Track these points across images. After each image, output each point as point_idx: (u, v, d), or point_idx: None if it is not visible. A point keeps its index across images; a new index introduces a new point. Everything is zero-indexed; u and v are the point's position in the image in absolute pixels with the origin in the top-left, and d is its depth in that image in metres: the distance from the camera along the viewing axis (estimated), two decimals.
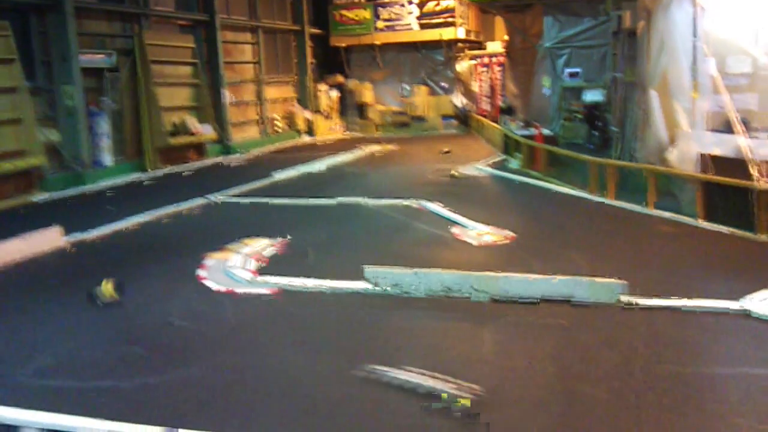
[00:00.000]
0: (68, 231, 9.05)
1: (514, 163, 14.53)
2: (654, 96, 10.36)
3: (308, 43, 24.73)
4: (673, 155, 9.74)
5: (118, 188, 13.92)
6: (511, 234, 8.54)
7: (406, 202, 10.81)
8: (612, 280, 5.97)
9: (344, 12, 24.70)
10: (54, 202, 12.51)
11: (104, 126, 15.14)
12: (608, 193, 10.44)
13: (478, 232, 8.69)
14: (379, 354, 5.04)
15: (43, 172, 13.25)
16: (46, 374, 4.88)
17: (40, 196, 12.74)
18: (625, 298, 5.90)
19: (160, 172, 15.87)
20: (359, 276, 6.53)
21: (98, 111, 15.05)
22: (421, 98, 24.33)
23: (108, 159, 15.26)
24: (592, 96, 17.01)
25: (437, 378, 4.49)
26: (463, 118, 24.12)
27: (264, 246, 8.29)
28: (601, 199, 10.52)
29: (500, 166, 14.69)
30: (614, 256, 7.67)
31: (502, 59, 24.43)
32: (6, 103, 12.52)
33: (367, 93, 25.01)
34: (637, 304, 5.86)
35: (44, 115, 13.85)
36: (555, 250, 7.86)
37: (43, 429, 4.04)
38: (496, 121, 20.68)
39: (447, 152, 17.61)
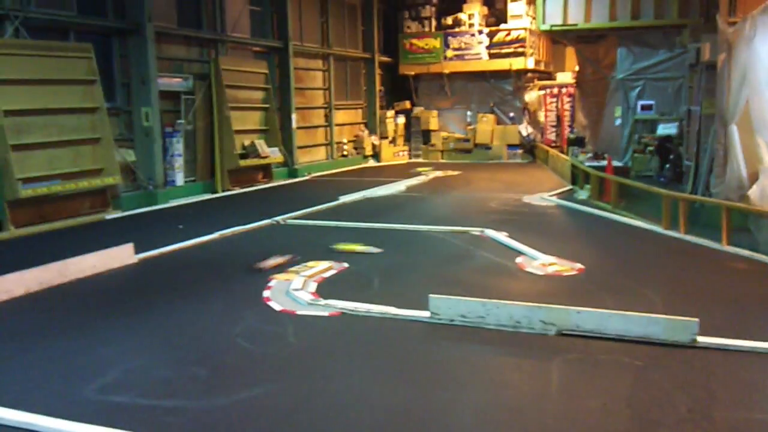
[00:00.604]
0: (139, 248, 9.28)
1: (583, 194, 14.26)
2: (734, 131, 10.01)
3: (377, 71, 25.00)
4: (754, 192, 9.36)
5: (189, 208, 14.24)
6: (579, 266, 8.33)
7: (469, 230, 10.71)
8: (687, 318, 5.72)
9: (414, 41, 24.89)
10: (126, 219, 12.88)
11: (178, 147, 15.59)
12: (680, 228, 10.10)
13: (543, 263, 8.51)
14: (444, 389, 4.93)
15: (118, 191, 13.68)
16: (112, 391, 4.93)
17: (113, 214, 13.14)
18: (700, 338, 5.65)
19: (229, 193, 16.20)
20: (423, 304, 6.45)
21: (173, 133, 15.50)
22: (486, 126, 24.24)
23: (180, 179, 15.68)
24: (665, 129, 16.60)
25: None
26: (528, 147, 23.90)
27: (326, 269, 8.31)
28: (673, 233, 10.18)
29: (567, 196, 14.44)
30: (688, 292, 7.37)
31: (571, 90, 24.16)
32: (86, 123, 13.00)
33: (432, 120, 25.11)
34: (713, 345, 5.60)
35: (121, 136, 14.33)
36: (625, 284, 7.61)
37: None
38: (563, 152, 20.42)
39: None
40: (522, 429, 4.31)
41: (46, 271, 7.89)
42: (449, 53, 24.42)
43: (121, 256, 8.92)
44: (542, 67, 24.90)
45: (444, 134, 25.06)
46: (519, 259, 8.78)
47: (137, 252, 9.17)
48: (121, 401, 4.75)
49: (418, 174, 19.71)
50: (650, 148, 16.92)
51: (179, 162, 15.64)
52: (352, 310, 6.63)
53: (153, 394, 4.87)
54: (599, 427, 4.36)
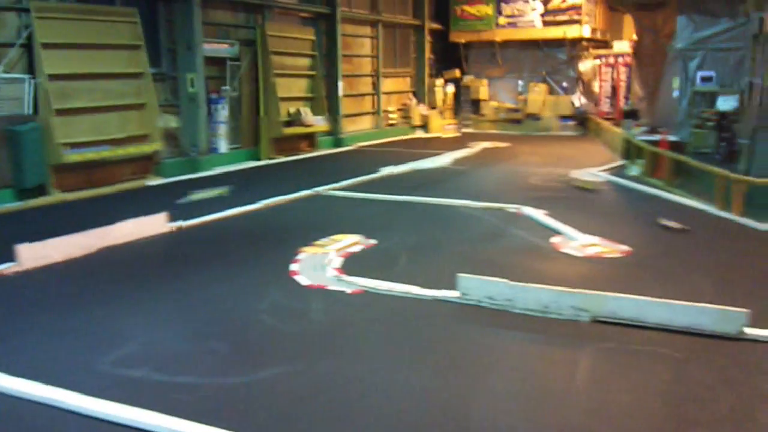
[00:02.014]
0: (176, 216, 9.25)
1: (634, 170, 13.71)
2: None
3: (427, 38, 24.53)
4: None
5: (231, 175, 14.21)
6: (623, 248, 7.95)
7: (506, 207, 10.37)
8: (735, 308, 5.35)
9: (466, 7, 24.30)
10: (167, 186, 12.91)
11: (223, 114, 15.55)
12: (734, 209, 9.58)
13: (582, 244, 8.14)
14: (467, 375, 4.71)
15: (161, 157, 13.72)
16: (127, 364, 4.86)
17: (154, 180, 13.19)
18: (749, 330, 5.29)
19: (272, 162, 16.13)
20: (451, 284, 6.21)
21: (218, 99, 15.46)
22: (538, 96, 23.62)
23: (224, 146, 15.67)
24: (725, 103, 15.78)
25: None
26: (581, 119, 23.21)
27: (355, 243, 8.13)
28: (728, 214, 9.67)
29: (618, 172, 13.90)
30: (739, 280, 6.93)
31: (628, 60, 23.27)
32: (131, 89, 13.02)
33: (482, 89, 24.60)
34: (762, 338, 5.23)
35: (166, 102, 14.34)
36: (673, 269, 7.22)
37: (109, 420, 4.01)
38: (617, 125, 19.74)
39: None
40: (545, 422, 4.07)
41: (83, 237, 7.91)
42: (501, 20, 23.79)
43: (157, 224, 8.90)
44: (598, 36, 24.05)
45: (494, 104, 24.54)
46: (555, 239, 8.42)
47: (174, 220, 9.14)
48: (135, 375, 4.68)
49: (465, 145, 19.31)
50: (710, 124, 16.15)
51: (223, 129, 15.61)
52: (375, 288, 6.43)
53: (168, 369, 4.78)
54: (629, 423, 4.08)
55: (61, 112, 11.60)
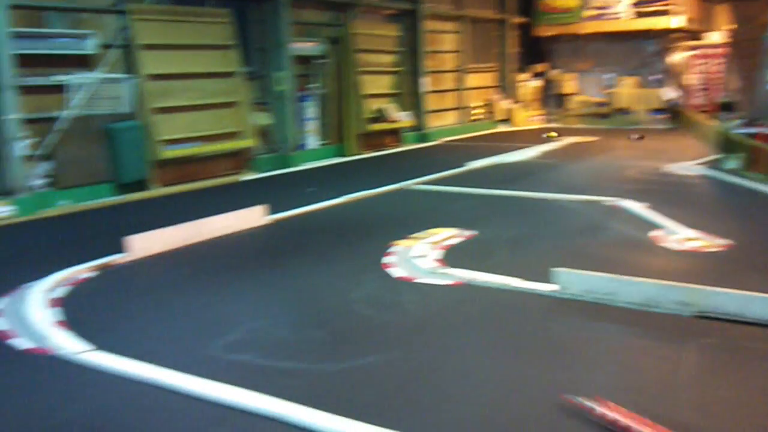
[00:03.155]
0: (270, 210, 9.53)
1: (731, 164, 13.20)
2: None
3: (511, 33, 24.27)
4: None
5: (319, 171, 14.49)
6: (723, 242, 7.70)
7: (602, 200, 10.20)
8: None
9: (551, 1, 23.90)
10: (260, 181, 13.29)
11: (310, 111, 15.89)
12: None
13: (682, 237, 7.93)
14: (568, 369, 4.69)
15: (253, 153, 14.13)
16: (235, 349, 5.07)
17: (248, 176, 13.61)
18: None
19: (358, 157, 16.36)
20: (547, 277, 6.18)
21: (306, 97, 15.79)
22: (627, 90, 23.02)
23: (312, 142, 16.01)
24: None
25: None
26: (672, 112, 22.47)
27: (449, 236, 8.17)
28: None
29: (714, 166, 13.42)
30: None
31: (722, 51, 22.36)
32: (224, 87, 13.47)
33: (568, 83, 24.18)
34: None
35: (256, 100, 14.75)
36: None
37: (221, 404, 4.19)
38: (711, 118, 19.04)
39: (640, 138, 16.78)
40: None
41: (184, 229, 8.27)
42: (588, 13, 23.32)
43: (253, 217, 9.20)
44: (689, 27, 23.20)
45: (581, 98, 24.07)
46: (655, 233, 8.24)
47: (268, 214, 9.42)
48: (244, 360, 4.88)
49: (551, 139, 19.04)
50: None
51: (311, 125, 15.96)
52: (474, 280, 6.46)
53: (273, 355, 4.96)
54: (733, 421, 3.98)
55: (158, 110, 12.13)
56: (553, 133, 19.70)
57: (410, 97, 18.81)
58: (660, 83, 22.99)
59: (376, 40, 17.64)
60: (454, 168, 13.77)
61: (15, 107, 10.17)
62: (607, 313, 5.64)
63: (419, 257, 7.25)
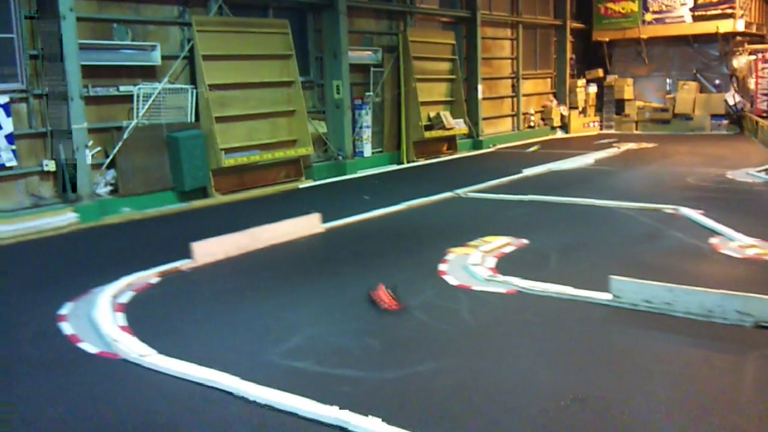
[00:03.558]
0: (327, 218, 9.68)
1: None
2: None
3: (569, 38, 24.04)
4: None
5: (375, 178, 14.63)
6: None
7: (661, 207, 10.04)
8: None
9: (609, 5, 23.63)
10: (317, 189, 13.50)
11: (366, 119, 16.07)
12: None
13: (741, 245, 7.76)
14: (626, 380, 4.66)
15: (311, 161, 14.36)
16: (294, 356, 5.19)
17: (306, 183, 13.84)
18: None
19: (414, 165, 16.46)
20: (604, 285, 6.14)
21: (362, 105, 15.98)
22: (688, 95, 22.53)
23: (368, 150, 16.18)
24: None
25: None
26: (735, 118, 21.89)
27: (504, 244, 8.18)
28: None
29: None
30: None
31: None
32: (283, 96, 13.75)
33: (626, 89, 23.77)
34: None
35: (314, 108, 15.00)
36: None
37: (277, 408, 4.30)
38: None
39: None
40: (715, 428, 3.97)
41: (244, 236, 8.48)
42: (648, 17, 22.93)
43: (310, 224, 9.37)
44: (754, 30, 22.60)
45: (639, 104, 23.67)
46: (714, 240, 8.08)
47: (325, 221, 9.58)
48: (302, 367, 4.99)
49: (608, 146, 18.77)
50: None
51: (367, 133, 16.13)
52: (529, 289, 6.47)
53: (330, 362, 5.07)
54: None
55: (219, 119, 12.45)
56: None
57: (465, 105, 18.82)
58: (722, 88, 22.41)
59: (432, 48, 17.72)
60: (510, 175, 13.72)
61: (83, 116, 10.58)
62: (665, 323, 5.58)
63: (475, 265, 7.28)
